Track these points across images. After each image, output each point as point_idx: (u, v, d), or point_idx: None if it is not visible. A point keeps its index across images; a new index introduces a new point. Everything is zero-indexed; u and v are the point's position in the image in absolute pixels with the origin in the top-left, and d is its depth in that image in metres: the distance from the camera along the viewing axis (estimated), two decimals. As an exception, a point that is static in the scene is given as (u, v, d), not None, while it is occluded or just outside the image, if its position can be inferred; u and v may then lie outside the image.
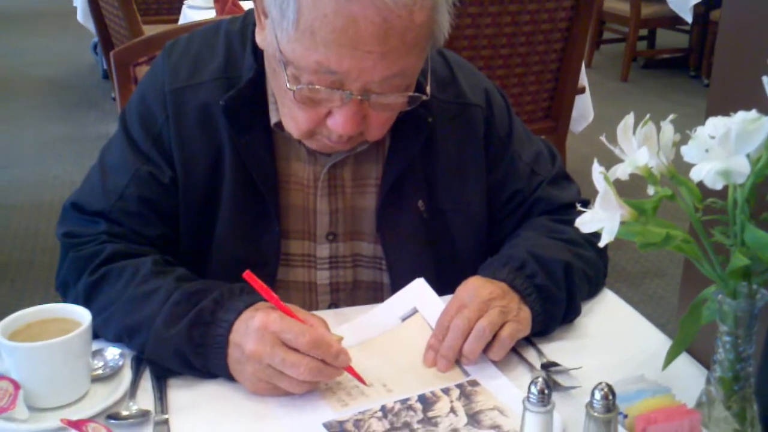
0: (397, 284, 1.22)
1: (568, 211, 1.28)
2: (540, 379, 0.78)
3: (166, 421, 0.94)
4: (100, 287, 1.11)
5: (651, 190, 0.84)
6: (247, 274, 1.00)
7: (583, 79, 3.11)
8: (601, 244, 0.80)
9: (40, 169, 4.02)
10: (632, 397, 0.86)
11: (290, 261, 1.26)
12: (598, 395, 0.76)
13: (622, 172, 0.82)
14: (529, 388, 0.78)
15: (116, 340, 1.08)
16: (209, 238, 1.22)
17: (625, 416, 0.85)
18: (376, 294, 1.29)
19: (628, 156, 0.83)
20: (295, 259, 1.26)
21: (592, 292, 1.24)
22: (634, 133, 0.84)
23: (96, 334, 1.08)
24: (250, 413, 0.97)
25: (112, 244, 1.15)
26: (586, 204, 1.30)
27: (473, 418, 0.96)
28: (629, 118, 0.85)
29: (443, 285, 1.16)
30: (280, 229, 1.21)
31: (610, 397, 0.76)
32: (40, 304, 1.02)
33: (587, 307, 1.20)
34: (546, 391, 0.77)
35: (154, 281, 1.08)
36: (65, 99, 5.36)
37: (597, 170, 0.80)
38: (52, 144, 4.40)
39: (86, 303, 1.09)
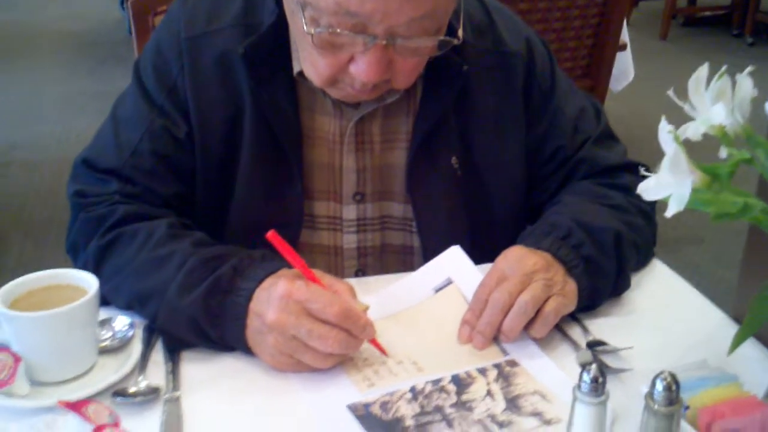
0: (428, 248, 1.14)
1: (614, 173, 1.18)
2: (594, 366, 0.69)
3: (177, 399, 0.87)
4: (111, 251, 1.04)
5: (723, 153, 0.74)
6: (272, 234, 0.92)
7: (625, 36, 2.96)
8: (669, 213, 0.70)
9: (64, 125, 3.97)
10: (694, 386, 0.77)
11: (314, 223, 1.18)
12: (659, 386, 0.67)
13: (693, 131, 0.72)
14: (581, 376, 0.69)
15: (127, 308, 1.00)
16: (228, 197, 1.14)
17: (687, 408, 0.76)
18: (406, 258, 1.21)
19: (700, 113, 0.72)
20: (319, 221, 1.18)
21: (641, 263, 1.14)
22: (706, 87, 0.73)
23: (106, 301, 1.02)
24: (268, 391, 0.89)
25: (124, 204, 1.08)
26: (636, 167, 1.20)
27: (512, 402, 0.87)
28: (702, 70, 0.74)
29: (478, 251, 1.08)
30: (304, 189, 1.14)
31: (674, 388, 0.67)
32: (62, 264, 0.95)
33: (635, 280, 1.10)
34: (600, 380, 0.68)
35: (168, 245, 1.00)
36: (91, 55, 5.29)
37: (665, 129, 0.70)
38: (76, 100, 4.33)
39: (96, 267, 1.03)
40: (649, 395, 0.68)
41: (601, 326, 1.01)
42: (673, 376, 0.67)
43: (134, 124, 1.11)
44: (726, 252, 3.01)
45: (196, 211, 1.14)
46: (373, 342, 0.93)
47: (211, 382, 0.90)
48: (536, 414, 0.85)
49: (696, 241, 3.14)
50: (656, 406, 0.67)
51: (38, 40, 5.64)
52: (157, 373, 0.91)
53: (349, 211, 1.17)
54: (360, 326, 0.89)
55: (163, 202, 1.10)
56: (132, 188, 1.09)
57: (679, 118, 0.74)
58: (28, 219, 3.18)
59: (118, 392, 0.86)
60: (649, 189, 0.72)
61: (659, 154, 0.74)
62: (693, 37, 5.87)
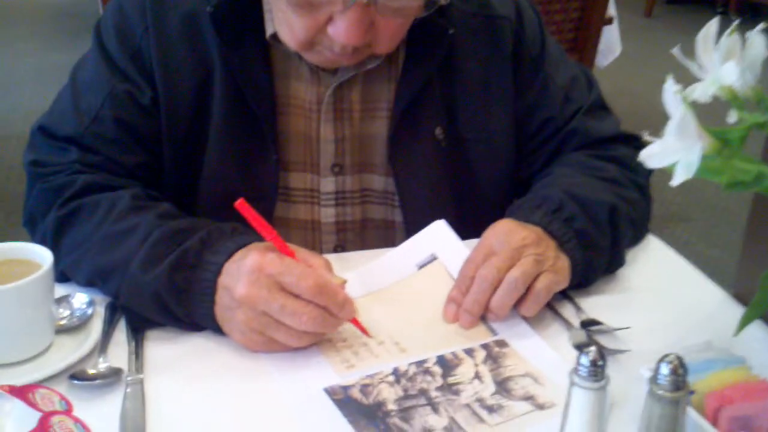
0: (410, 223, 1.08)
1: (607, 145, 1.13)
2: (593, 348, 0.63)
3: (140, 382, 0.80)
4: (71, 223, 0.96)
5: (733, 117, 0.68)
6: (240, 203, 0.85)
7: (611, 9, 2.90)
8: (675, 182, 0.64)
9: (38, 98, 3.84)
10: (699, 369, 0.71)
11: (290, 196, 1.11)
12: (665, 369, 0.61)
13: (702, 92, 0.66)
14: (579, 359, 0.63)
15: (88, 284, 0.93)
16: (197, 168, 1.07)
17: (692, 392, 0.70)
18: (388, 234, 1.15)
19: (709, 73, 0.66)
20: (295, 194, 1.12)
21: (636, 239, 1.08)
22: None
23: (66, 278, 0.95)
24: (239, 373, 0.83)
25: (85, 174, 1.00)
26: (630, 139, 1.15)
27: (502, 386, 0.81)
28: (712, 25, 0.68)
29: (463, 226, 1.02)
30: (279, 160, 1.07)
31: (681, 372, 0.61)
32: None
33: (630, 257, 1.04)
34: (600, 363, 0.62)
35: (132, 217, 0.93)
36: (65, 27, 5.16)
37: (672, 89, 0.63)
38: (50, 73, 4.22)
39: (55, 241, 0.96)
40: (653, 380, 0.62)
41: (594, 305, 0.95)
42: (680, 359, 0.61)
43: (95, 89, 1.04)
44: (714, 231, 2.97)
45: (163, 183, 1.07)
46: (354, 322, 0.87)
47: (177, 364, 0.84)
48: (528, 398, 0.79)
49: (684, 219, 3.10)
50: (661, 392, 0.61)
51: (11, 11, 5.50)
52: (119, 354, 0.84)
53: (327, 184, 1.11)
54: (338, 303, 0.83)
55: (127, 173, 1.03)
56: (93, 157, 1.02)
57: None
58: (1, 193, 3.08)
59: (76, 375, 0.79)
60: (652, 156, 0.66)
61: (646, 131, 0.68)
62: (678, 14, 5.82)
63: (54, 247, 0.89)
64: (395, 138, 1.07)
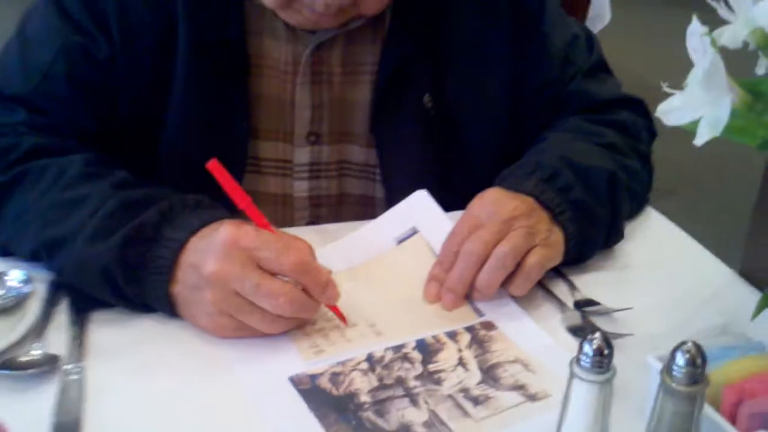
0: (393, 199, 0.99)
1: (607, 109, 1.04)
2: (598, 336, 0.54)
3: (80, 371, 0.71)
4: (14, 190, 0.87)
5: (761, 68, 0.59)
6: (213, 164, 0.76)
7: (601, -27, 2.79)
8: (699, 141, 0.55)
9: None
10: (715, 357, 0.62)
11: (260, 167, 1.02)
12: (681, 359, 0.52)
13: (731, 37, 0.57)
14: (582, 347, 0.54)
15: (32, 258, 0.84)
16: (158, 134, 0.98)
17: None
18: (367, 210, 1.06)
19: (740, 15, 0.57)
20: (266, 164, 1.02)
21: (635, 211, 1.00)
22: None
23: (8, 251, 0.85)
24: (194, 362, 0.74)
25: (32, 136, 0.90)
26: (633, 103, 1.06)
27: (489, 374, 0.72)
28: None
29: (451, 203, 0.92)
30: (248, 126, 0.98)
31: (699, 363, 0.52)
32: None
33: (628, 230, 0.95)
34: (606, 352, 0.53)
35: (84, 186, 0.84)
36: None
37: (697, 32, 0.54)
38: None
39: (-5, 209, 0.86)
40: (667, 370, 0.53)
41: (590, 283, 0.86)
42: (698, 348, 0.52)
43: (45, 43, 0.94)
44: (699, 205, 2.90)
45: (120, 149, 0.96)
46: (334, 309, 0.78)
47: (124, 351, 0.74)
48: (518, 387, 0.70)
49: (669, 191, 3.01)
50: (675, 385, 0.52)
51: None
52: (58, 339, 0.74)
53: (302, 154, 1.02)
54: (320, 284, 0.74)
55: (80, 136, 0.93)
56: (42, 119, 0.92)
57: (659, 65, 0.59)
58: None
59: (5, 363, 0.70)
60: (671, 111, 0.57)
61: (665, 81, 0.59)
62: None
63: (-6, 216, 0.80)
64: (379, 105, 0.99)
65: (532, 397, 0.69)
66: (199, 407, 0.68)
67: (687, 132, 0.57)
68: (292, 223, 1.04)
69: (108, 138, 0.95)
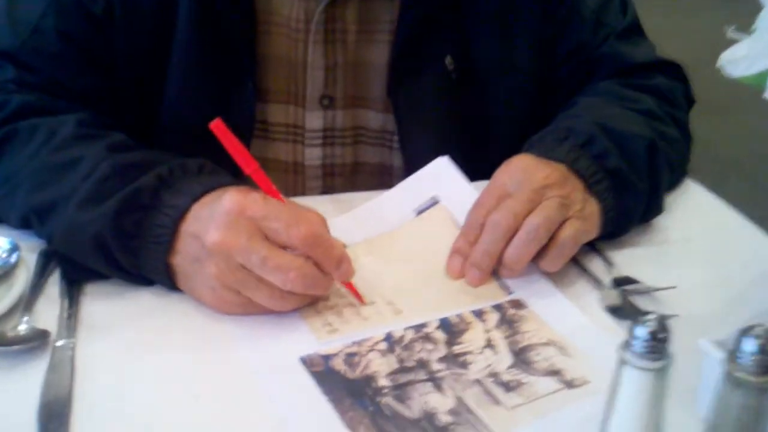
0: (411, 168, 0.92)
1: (642, 73, 0.97)
2: (653, 317, 0.47)
3: (71, 348, 0.64)
4: (2, 151, 0.80)
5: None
6: (217, 124, 0.70)
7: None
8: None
9: None
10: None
11: (269, 133, 0.96)
12: (750, 346, 0.46)
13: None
14: (633, 330, 0.47)
15: (22, 225, 0.78)
16: (158, 96, 0.91)
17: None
18: (383, 180, 0.99)
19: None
20: (275, 130, 0.96)
21: (673, 183, 0.93)
22: None
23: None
24: (195, 339, 0.67)
25: (21, 94, 0.84)
26: (669, 67, 0.98)
27: (520, 357, 0.65)
28: None
29: (474, 173, 0.86)
30: (256, 88, 0.91)
31: None
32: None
33: (666, 203, 0.88)
34: (661, 336, 0.47)
35: (76, 148, 0.77)
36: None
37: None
38: None
39: (-20, 173, 0.80)
40: (732, 358, 0.46)
41: (628, 259, 0.79)
42: None
43: None
44: (724, 184, 2.81)
45: (117, 111, 0.90)
46: (349, 286, 0.71)
47: (119, 327, 0.68)
48: (553, 372, 0.64)
49: (692, 170, 2.93)
50: (743, 375, 0.46)
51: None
52: (47, 313, 0.68)
53: (314, 119, 0.95)
54: (333, 258, 0.67)
55: (73, 96, 0.87)
56: (32, 77, 0.86)
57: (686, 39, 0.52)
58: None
59: (-11, 339, 0.64)
60: (737, 61, 0.50)
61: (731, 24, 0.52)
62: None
63: (-21, 180, 0.74)
64: (397, 67, 0.92)
65: (569, 384, 0.62)
66: (200, 389, 0.62)
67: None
68: (303, 194, 0.98)
69: (103, 100, 0.89)
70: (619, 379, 0.48)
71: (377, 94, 0.95)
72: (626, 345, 0.47)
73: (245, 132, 0.92)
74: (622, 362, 0.47)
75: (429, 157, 0.87)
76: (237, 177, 0.73)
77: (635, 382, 0.47)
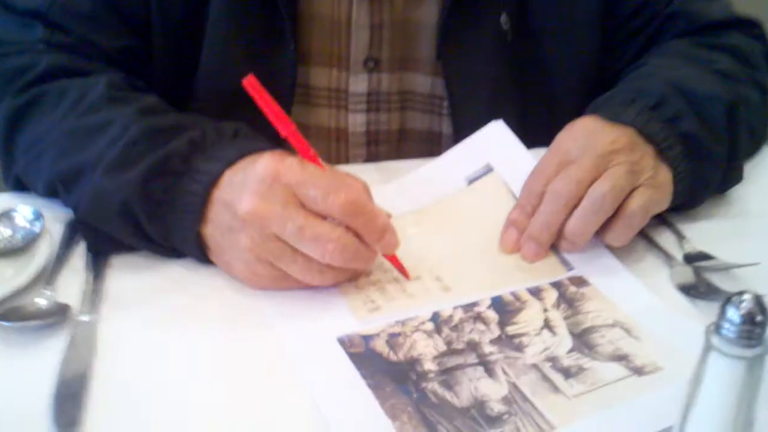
0: (463, 135, 0.86)
1: (717, 32, 0.89)
2: (748, 297, 0.40)
3: (93, 324, 0.60)
4: (30, 115, 0.76)
5: None
6: (250, 81, 0.64)
7: None
8: None
9: None
10: None
11: (310, 97, 0.90)
12: (733, 314, 0.39)
13: None
14: (724, 311, 0.40)
15: (48, 193, 0.74)
16: (194, 58, 0.86)
17: None
18: (432, 148, 0.94)
19: None
20: (317, 94, 0.91)
21: (753, 151, 0.84)
22: None
23: (22, 185, 0.76)
24: (226, 316, 0.62)
25: (51, 54, 0.80)
26: (747, 25, 0.90)
27: (582, 339, 0.59)
28: None
29: (530, 141, 0.79)
30: (297, 50, 0.86)
31: (759, 319, 0.39)
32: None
33: (745, 172, 0.80)
34: (759, 319, 0.39)
35: (106, 110, 0.72)
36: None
37: None
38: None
39: (8, 136, 0.76)
40: (716, 329, 0.40)
41: (702, 233, 0.72)
42: (759, 301, 0.39)
43: None
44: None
45: (150, 74, 0.85)
46: (393, 259, 0.65)
47: (146, 302, 0.63)
48: (619, 357, 0.57)
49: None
50: (726, 346, 0.39)
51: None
52: (70, 286, 0.64)
53: (358, 83, 0.90)
54: (377, 229, 0.61)
55: (105, 58, 0.82)
56: (63, 37, 0.81)
57: None
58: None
59: (8, 313, 0.59)
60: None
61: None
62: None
63: (7, 144, 0.73)
64: (448, 27, 0.86)
65: (639, 371, 0.56)
66: (227, 369, 0.57)
67: None
68: (346, 162, 0.92)
69: (137, 63, 0.85)
70: (704, 368, 0.41)
71: (426, 56, 0.89)
72: (715, 328, 0.40)
73: (286, 97, 0.87)
74: (710, 348, 0.41)
75: (481, 124, 0.80)
76: (278, 144, 0.68)
77: (725, 372, 0.40)
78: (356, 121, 0.92)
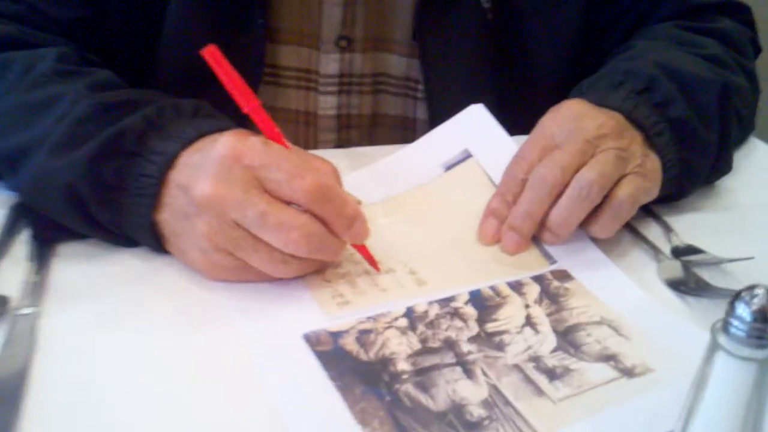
0: (439, 121, 0.82)
1: (704, 15, 0.86)
2: (760, 292, 0.36)
3: (34, 317, 0.54)
4: None
5: None
6: (211, 51, 0.58)
7: None
8: None
9: None
10: None
11: (279, 78, 0.86)
12: (743, 311, 0.35)
13: None
14: (733, 308, 0.36)
15: (-6, 171, 0.68)
16: (154, 35, 0.81)
17: None
18: (406, 134, 0.90)
19: None
20: (285, 74, 0.86)
21: (740, 140, 0.81)
22: None
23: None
24: (184, 311, 0.57)
25: None
26: (735, 8, 0.86)
27: (567, 338, 0.55)
28: None
29: (510, 127, 0.74)
30: (265, 26, 0.81)
31: None
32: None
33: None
34: (773, 318, 0.35)
35: (55, 84, 0.67)
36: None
37: None
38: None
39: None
40: (723, 326, 0.36)
41: (690, 225, 0.68)
42: None
43: None
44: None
45: (108, 50, 0.80)
46: (362, 249, 0.61)
47: (94, 294, 0.58)
48: (607, 357, 0.53)
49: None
50: (734, 346, 0.35)
51: None
52: (12, 276, 0.58)
53: (329, 63, 0.85)
54: (345, 216, 0.56)
55: (57, 29, 0.77)
56: (10, 5, 0.76)
57: None
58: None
59: (-63, 305, 0.54)
60: None
61: None
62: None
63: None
64: (425, 4, 0.82)
65: (628, 372, 0.51)
66: (181, 369, 0.52)
67: None
68: (315, 147, 0.88)
69: (91, 35, 0.79)
70: (709, 370, 0.37)
71: (402, 36, 0.85)
72: (723, 326, 0.36)
73: (253, 76, 0.82)
74: (716, 348, 0.37)
75: (458, 109, 0.76)
76: (245, 127, 0.63)
77: (733, 374, 0.36)
78: (326, 104, 0.87)
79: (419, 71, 0.85)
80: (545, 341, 0.54)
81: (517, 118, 0.74)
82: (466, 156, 0.72)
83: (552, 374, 0.51)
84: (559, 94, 0.77)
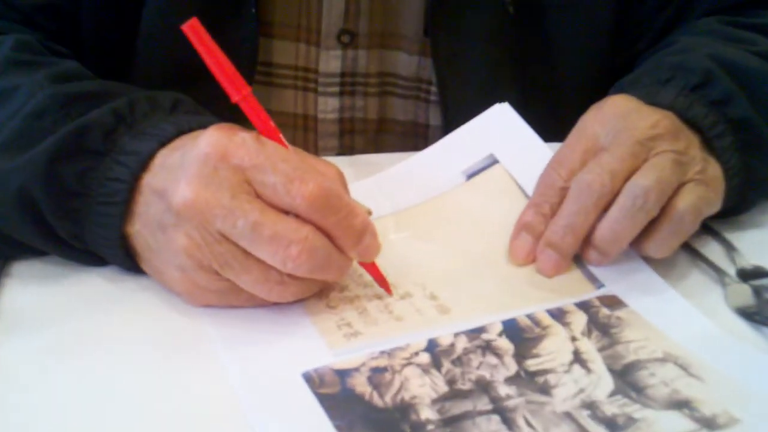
0: (453, 127, 0.75)
1: (747, 11, 0.78)
2: None
3: (-25, 351, 0.45)
4: None
5: None
6: (192, 25, 0.49)
7: None
8: None
9: None
10: None
11: (273, 77, 0.79)
12: None
13: None
14: None
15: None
16: (132, 26, 0.74)
17: None
18: (417, 142, 0.83)
19: None
20: (281, 73, 0.79)
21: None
22: None
23: None
24: (160, 343, 0.48)
25: None
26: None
27: (626, 379, 0.45)
28: None
29: (534, 130, 0.66)
30: (259, 19, 0.75)
31: None
32: None
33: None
34: None
35: (10, 76, 0.59)
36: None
37: None
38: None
39: None
40: None
41: (755, 243, 0.59)
42: None
43: None
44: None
45: (80, 42, 0.73)
46: (373, 269, 0.52)
47: (51, 323, 0.49)
48: (680, 404, 0.43)
49: None
50: None
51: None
52: (-48, 300, 0.49)
53: (330, 60, 0.79)
54: (354, 229, 0.48)
55: (21, 17, 0.70)
56: None
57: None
58: None
59: None
60: None
61: None
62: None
63: None
64: None
65: (709, 423, 0.42)
66: (155, 412, 0.43)
67: None
68: (314, 155, 0.79)
69: (60, 25, 0.72)
70: None
71: (412, 32, 0.78)
72: None
73: (245, 75, 0.72)
74: None
75: (475, 113, 0.68)
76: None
77: None
78: (327, 107, 0.80)
79: (431, 71, 0.78)
80: (600, 383, 0.44)
81: (541, 124, 0.67)
82: (492, 162, 0.63)
83: (613, 425, 0.41)
84: (588, 97, 0.69)
